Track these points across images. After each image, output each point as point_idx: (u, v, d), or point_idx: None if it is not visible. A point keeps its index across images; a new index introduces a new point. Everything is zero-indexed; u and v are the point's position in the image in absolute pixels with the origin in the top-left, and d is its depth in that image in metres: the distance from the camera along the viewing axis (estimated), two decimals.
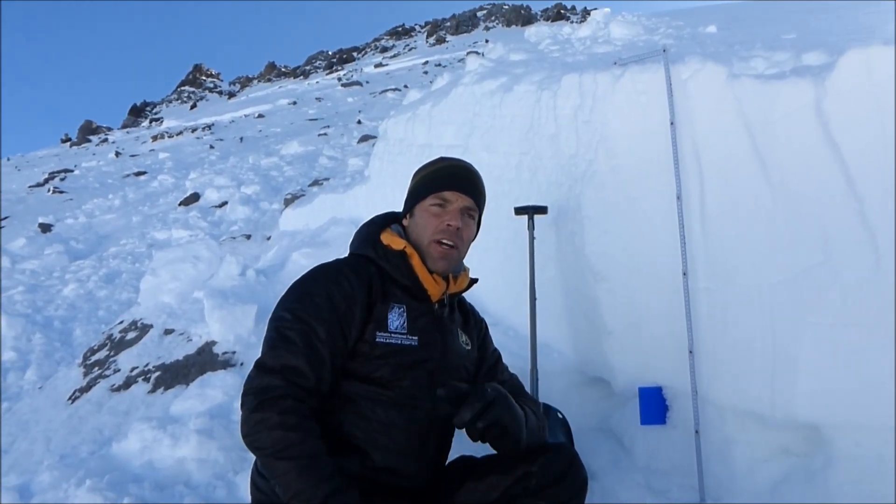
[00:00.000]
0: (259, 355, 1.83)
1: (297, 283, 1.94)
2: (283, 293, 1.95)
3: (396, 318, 1.93)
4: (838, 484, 2.32)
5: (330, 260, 2.04)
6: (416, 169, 2.18)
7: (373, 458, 1.85)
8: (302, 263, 5.43)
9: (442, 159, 2.17)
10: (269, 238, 9.15)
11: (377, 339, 1.88)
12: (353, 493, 1.67)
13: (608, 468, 2.89)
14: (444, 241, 2.00)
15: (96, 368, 5.84)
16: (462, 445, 2.32)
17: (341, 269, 1.93)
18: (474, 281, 2.21)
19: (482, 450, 2.09)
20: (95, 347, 6.45)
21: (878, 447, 2.26)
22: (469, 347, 2.15)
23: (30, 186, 24.52)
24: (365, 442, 1.85)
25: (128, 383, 5.14)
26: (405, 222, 2.11)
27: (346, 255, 2.11)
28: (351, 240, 2.13)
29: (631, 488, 2.75)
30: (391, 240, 2.03)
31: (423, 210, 2.05)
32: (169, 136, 35.28)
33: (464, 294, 2.23)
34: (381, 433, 1.86)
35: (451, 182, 2.05)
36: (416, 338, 1.93)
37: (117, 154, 30.88)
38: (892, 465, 2.21)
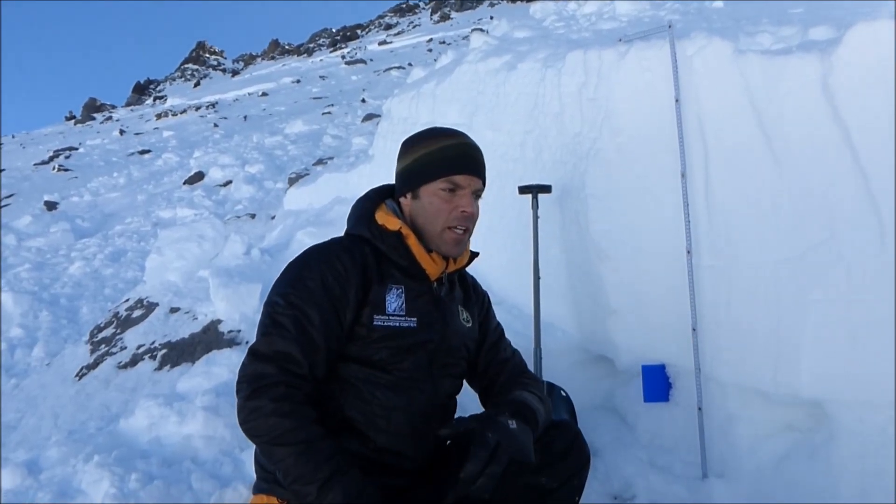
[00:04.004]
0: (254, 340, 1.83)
1: (290, 266, 1.91)
2: (277, 276, 1.93)
3: (394, 300, 1.90)
4: (840, 459, 2.34)
5: (326, 240, 2.00)
6: (413, 140, 2.05)
7: (374, 441, 1.85)
8: (306, 243, 5.42)
9: (444, 134, 2.04)
10: (273, 217, 9.16)
11: (375, 323, 1.85)
12: (353, 473, 1.68)
13: (612, 445, 2.91)
14: (458, 227, 1.95)
15: (103, 346, 5.89)
16: None
17: (334, 251, 1.89)
18: (475, 255, 2.15)
19: None
20: (102, 325, 6.50)
21: (881, 423, 2.27)
22: (470, 324, 2.12)
23: (35, 164, 24.53)
24: (366, 425, 1.85)
25: (134, 361, 5.18)
26: (405, 200, 2.02)
27: (343, 233, 2.07)
28: (348, 215, 2.07)
29: (634, 465, 2.77)
30: (386, 219, 1.97)
31: (432, 194, 1.96)
32: (173, 115, 35.17)
33: (466, 268, 2.18)
34: (382, 416, 1.86)
35: (463, 164, 1.97)
36: (414, 319, 1.91)
37: (122, 132, 30.83)
38: (894, 441, 2.23)
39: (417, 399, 1.90)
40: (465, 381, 2.20)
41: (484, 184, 2.04)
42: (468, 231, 2.00)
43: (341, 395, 1.86)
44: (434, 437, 1.99)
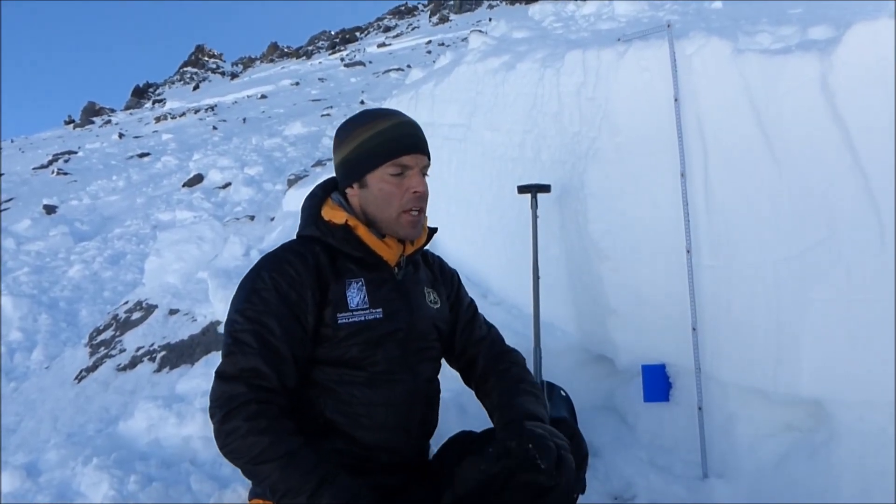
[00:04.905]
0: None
1: (244, 280, 1.86)
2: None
3: (356, 294, 1.85)
4: (840, 459, 2.33)
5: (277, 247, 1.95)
6: (348, 128, 1.96)
7: (361, 439, 1.83)
8: None
9: (381, 116, 1.95)
10: (272, 219, 9.15)
11: (340, 322, 1.81)
12: (341, 478, 1.65)
13: (612, 445, 2.91)
14: (413, 209, 1.90)
15: (102, 348, 5.89)
16: (463, 422, 2.33)
17: (285, 257, 1.85)
18: (433, 231, 2.09)
19: (482, 425, 2.10)
20: (101, 327, 6.50)
21: (881, 422, 2.27)
22: (438, 305, 2.07)
23: (34, 168, 24.50)
24: (350, 426, 1.83)
25: (133, 363, 5.18)
26: (351, 191, 1.95)
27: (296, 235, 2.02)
28: (300, 216, 2.03)
29: (634, 464, 2.77)
30: (332, 214, 1.92)
31: (380, 180, 1.89)
32: (172, 118, 35.16)
33: (427, 245, 2.12)
34: (364, 414, 1.83)
35: (408, 145, 1.91)
36: (379, 310, 1.86)
37: (120, 135, 30.81)
38: (894, 441, 2.22)
39: (397, 391, 1.87)
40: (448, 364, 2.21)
41: (429, 159, 1.98)
42: (422, 211, 1.95)
43: (320, 399, 1.83)
44: (421, 426, 1.96)
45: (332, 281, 1.84)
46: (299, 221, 2.00)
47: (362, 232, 1.90)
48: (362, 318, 1.84)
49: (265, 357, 1.72)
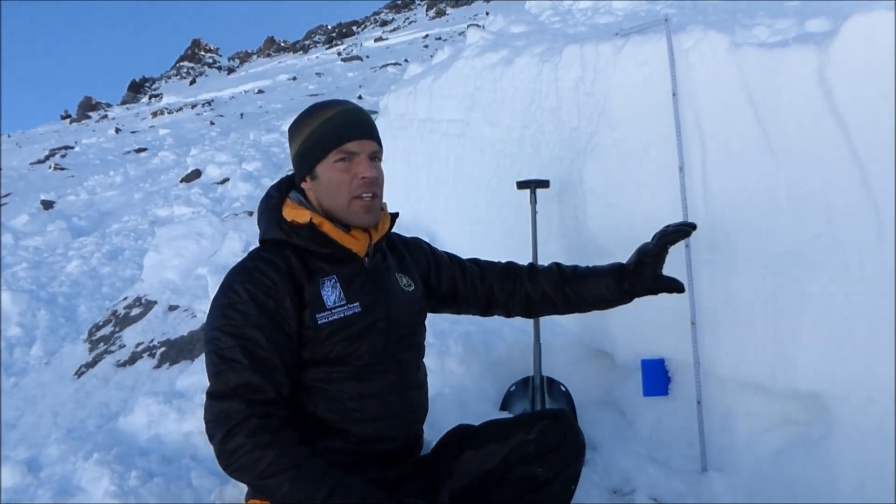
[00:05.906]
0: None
1: (217, 296, 1.82)
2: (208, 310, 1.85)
3: (331, 293, 1.83)
4: (839, 453, 2.34)
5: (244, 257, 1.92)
6: (296, 124, 1.95)
7: (356, 434, 1.82)
8: None
9: (325, 107, 1.93)
10: None
11: (320, 322, 1.79)
12: (351, 481, 1.65)
13: (611, 439, 2.92)
14: (364, 194, 1.87)
15: (101, 344, 5.88)
16: (463, 418, 2.34)
17: (256, 267, 1.81)
18: (395, 217, 2.07)
19: (479, 420, 2.11)
20: (100, 323, 6.49)
21: (880, 416, 2.27)
22: (412, 287, 2.05)
23: (31, 163, 24.49)
24: (343, 421, 1.82)
25: (133, 359, 5.17)
26: (307, 186, 1.93)
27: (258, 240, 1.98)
28: (257, 220, 1.99)
29: (633, 459, 2.78)
30: (294, 214, 1.89)
31: (328, 169, 1.86)
32: (169, 113, 35.11)
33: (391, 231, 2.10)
34: (356, 408, 1.82)
35: (351, 130, 1.88)
36: (356, 303, 1.84)
37: (117, 130, 30.77)
38: (892, 434, 2.23)
39: (385, 380, 1.86)
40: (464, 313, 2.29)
41: (380, 144, 1.96)
42: (376, 196, 1.91)
43: (310, 401, 1.81)
44: (413, 412, 1.95)
45: (306, 283, 1.81)
46: (259, 225, 1.96)
47: (328, 228, 1.87)
48: (341, 315, 1.81)
49: (257, 370, 1.69)
